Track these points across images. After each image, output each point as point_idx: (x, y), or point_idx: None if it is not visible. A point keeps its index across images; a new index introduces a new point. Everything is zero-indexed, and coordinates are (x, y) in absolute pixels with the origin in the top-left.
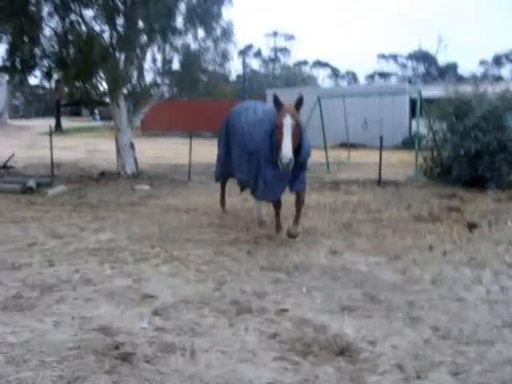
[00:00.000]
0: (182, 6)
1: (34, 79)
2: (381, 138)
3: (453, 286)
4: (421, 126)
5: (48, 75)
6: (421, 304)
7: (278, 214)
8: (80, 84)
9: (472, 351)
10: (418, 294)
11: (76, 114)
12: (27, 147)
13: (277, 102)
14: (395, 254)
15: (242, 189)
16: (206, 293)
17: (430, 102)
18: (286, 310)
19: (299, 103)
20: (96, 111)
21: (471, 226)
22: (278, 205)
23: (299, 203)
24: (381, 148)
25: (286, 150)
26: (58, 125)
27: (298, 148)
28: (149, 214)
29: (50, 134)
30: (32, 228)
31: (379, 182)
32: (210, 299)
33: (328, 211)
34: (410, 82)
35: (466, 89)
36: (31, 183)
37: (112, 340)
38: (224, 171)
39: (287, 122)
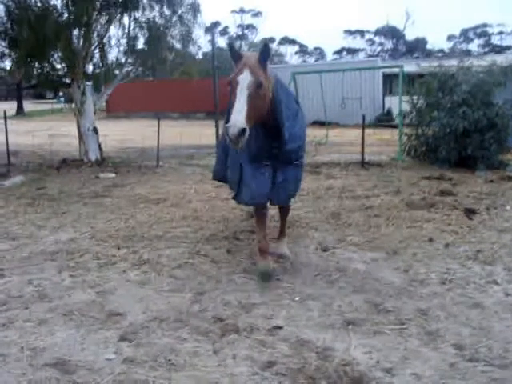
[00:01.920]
0: None
1: None
2: (363, 117)
3: (465, 288)
4: (397, 103)
5: None
6: (435, 313)
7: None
8: (35, 64)
9: (511, 378)
10: (428, 299)
11: (40, 96)
12: None
13: (233, 52)
14: (393, 249)
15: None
16: (182, 307)
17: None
18: (279, 328)
19: (264, 54)
20: (60, 93)
21: (470, 212)
22: (262, 213)
23: (283, 214)
24: (363, 127)
25: (235, 115)
26: (20, 108)
27: (274, 127)
28: (114, 207)
29: (5, 118)
30: None
31: (362, 164)
32: (189, 315)
33: (312, 198)
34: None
35: (445, 63)
36: None
37: (70, 380)
38: (222, 169)
39: (243, 80)
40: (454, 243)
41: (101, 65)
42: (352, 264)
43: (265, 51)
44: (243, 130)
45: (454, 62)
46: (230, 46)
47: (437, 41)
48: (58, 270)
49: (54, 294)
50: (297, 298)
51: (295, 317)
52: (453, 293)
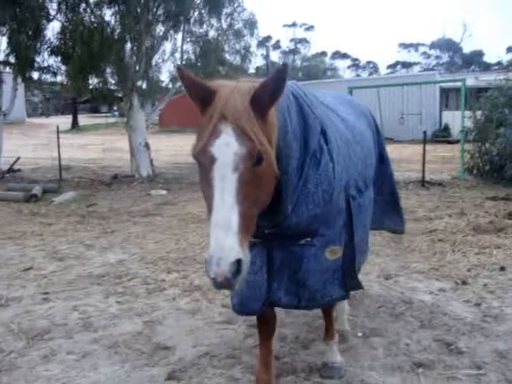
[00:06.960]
0: None
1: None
2: (424, 133)
3: None
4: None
5: (49, 71)
6: None
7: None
8: (87, 79)
9: None
10: (505, 339)
11: (95, 110)
12: (43, 146)
13: (191, 84)
14: (461, 278)
15: None
16: (235, 341)
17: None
18: None
19: (276, 84)
20: (115, 107)
21: None
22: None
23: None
24: (424, 143)
25: (219, 236)
26: (75, 122)
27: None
28: (165, 227)
29: (57, 133)
30: (30, 247)
31: (423, 183)
32: (242, 351)
33: None
34: (435, 71)
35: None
36: (36, 190)
37: None
38: None
39: (224, 152)
40: None
41: (152, 79)
42: (417, 295)
43: (277, 78)
44: (239, 263)
45: None
46: (181, 72)
47: (496, 53)
48: (105, 296)
49: (100, 323)
50: (360, 334)
51: (358, 355)
52: None
